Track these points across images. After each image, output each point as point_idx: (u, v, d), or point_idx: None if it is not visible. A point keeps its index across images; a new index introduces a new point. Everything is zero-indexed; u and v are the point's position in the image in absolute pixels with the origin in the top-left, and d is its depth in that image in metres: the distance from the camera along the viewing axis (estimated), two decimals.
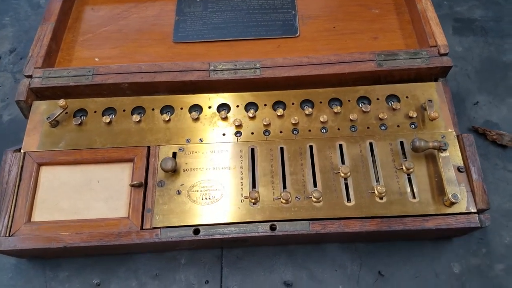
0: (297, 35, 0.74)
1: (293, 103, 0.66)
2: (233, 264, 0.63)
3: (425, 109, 0.63)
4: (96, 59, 0.74)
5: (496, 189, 0.69)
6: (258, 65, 0.67)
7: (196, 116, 0.64)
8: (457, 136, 0.62)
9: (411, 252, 0.62)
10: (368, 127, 0.63)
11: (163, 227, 0.57)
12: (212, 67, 0.67)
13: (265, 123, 0.63)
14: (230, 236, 0.56)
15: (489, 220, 0.56)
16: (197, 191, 0.59)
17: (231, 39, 0.75)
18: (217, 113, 0.65)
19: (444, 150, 0.58)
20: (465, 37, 0.88)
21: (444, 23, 0.88)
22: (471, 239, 0.64)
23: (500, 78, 0.82)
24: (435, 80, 0.67)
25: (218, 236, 0.56)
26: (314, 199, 0.57)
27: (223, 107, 0.66)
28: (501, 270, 0.62)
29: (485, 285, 0.61)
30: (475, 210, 0.56)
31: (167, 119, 0.64)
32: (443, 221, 0.56)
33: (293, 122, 0.63)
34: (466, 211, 0.56)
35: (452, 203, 0.56)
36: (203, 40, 0.75)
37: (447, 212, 0.56)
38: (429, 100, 0.62)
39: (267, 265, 0.63)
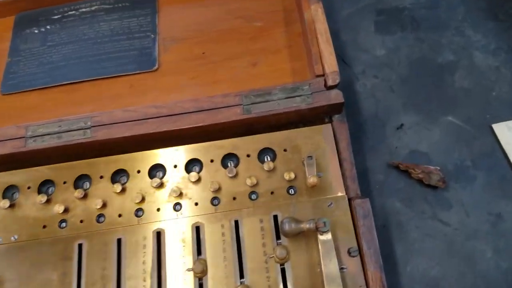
0: (155, 68, 0.57)
1: (138, 171, 0.50)
2: None
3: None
4: None
5: (421, 249, 0.53)
6: (89, 123, 0.50)
7: (8, 204, 0.48)
8: (349, 201, 0.46)
9: None
10: (234, 198, 0.47)
11: None
12: (30, 133, 0.50)
13: (98, 206, 0.48)
14: None
15: None
16: None
17: (71, 82, 0.58)
18: (38, 196, 0.49)
19: (324, 232, 0.42)
20: (390, 35, 0.69)
21: (364, 19, 0.71)
22: None
23: (433, 87, 0.65)
24: (330, 119, 0.51)
25: None
26: None
27: (46, 186, 0.50)
28: None
29: None
30: None
31: None
32: None
33: (137, 200, 0.48)
34: None
35: None
36: (37, 88, 0.58)
37: None
38: (308, 157, 0.46)
39: None
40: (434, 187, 0.56)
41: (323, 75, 0.49)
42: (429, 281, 0.52)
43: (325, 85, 0.48)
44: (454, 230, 0.54)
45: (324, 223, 0.42)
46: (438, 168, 0.57)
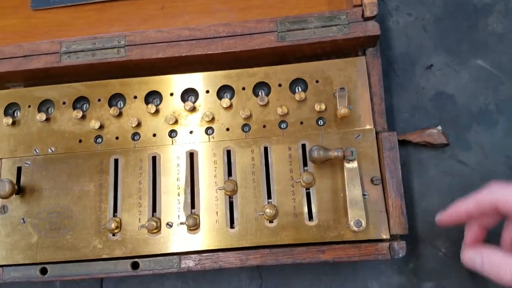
0: None
1: (171, 94, 0.51)
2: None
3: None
4: None
5: (438, 186, 0.56)
6: (123, 43, 0.50)
7: (45, 117, 0.50)
8: (376, 134, 0.47)
9: (321, 269, 0.52)
10: (264, 126, 0.49)
11: (6, 265, 0.47)
12: (64, 48, 0.51)
13: (133, 125, 0.49)
14: (82, 277, 0.46)
15: (404, 250, 0.44)
16: (44, 219, 0.48)
17: (102, 0, 0.57)
18: (73, 111, 0.50)
19: (351, 160, 0.44)
20: None
21: None
22: None
23: (466, 29, 0.63)
24: (364, 52, 0.50)
25: (69, 278, 0.46)
26: (189, 227, 0.46)
27: (81, 102, 0.51)
28: None
29: None
30: (388, 237, 0.44)
31: (10, 122, 0.50)
32: (343, 252, 0.44)
33: (171, 122, 0.49)
34: (376, 238, 0.44)
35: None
36: (67, 4, 0.57)
37: (350, 239, 0.44)
38: (340, 88, 0.46)
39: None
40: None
41: (360, 5, 0.48)
42: None
43: (363, 15, 0.47)
44: (471, 170, 0.56)
45: (352, 152, 0.44)
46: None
